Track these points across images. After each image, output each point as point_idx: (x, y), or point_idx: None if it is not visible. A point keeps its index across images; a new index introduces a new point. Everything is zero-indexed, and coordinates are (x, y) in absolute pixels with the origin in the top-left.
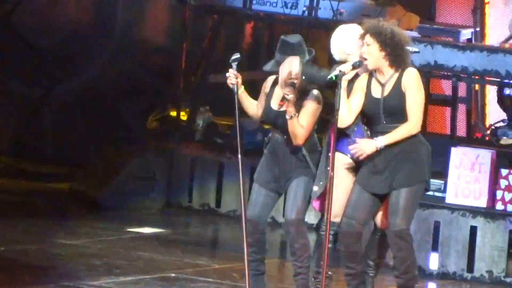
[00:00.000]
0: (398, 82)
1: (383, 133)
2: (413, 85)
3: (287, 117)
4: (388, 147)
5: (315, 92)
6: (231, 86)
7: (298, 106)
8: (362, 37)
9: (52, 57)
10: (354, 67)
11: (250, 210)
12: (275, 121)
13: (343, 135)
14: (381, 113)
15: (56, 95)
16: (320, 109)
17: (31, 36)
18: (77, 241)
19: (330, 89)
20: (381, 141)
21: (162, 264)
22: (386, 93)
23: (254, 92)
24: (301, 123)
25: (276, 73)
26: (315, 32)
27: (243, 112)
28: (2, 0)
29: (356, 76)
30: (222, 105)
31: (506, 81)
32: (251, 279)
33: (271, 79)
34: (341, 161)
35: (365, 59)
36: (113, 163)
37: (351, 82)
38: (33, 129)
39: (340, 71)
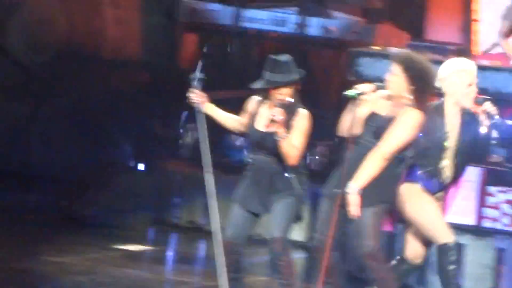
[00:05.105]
0: None
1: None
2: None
3: (278, 138)
4: None
5: (304, 111)
6: (194, 105)
7: (288, 125)
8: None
9: (40, 75)
10: (377, 88)
11: (228, 231)
12: (262, 142)
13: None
14: None
15: (44, 113)
16: (310, 128)
17: (19, 53)
18: (63, 258)
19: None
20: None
21: (148, 282)
22: None
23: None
24: (294, 143)
25: (264, 91)
26: (307, 50)
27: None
28: None
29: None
30: (210, 122)
31: None
32: None
33: (254, 98)
34: (414, 189)
35: None
36: (100, 180)
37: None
38: (21, 146)
39: (357, 89)
